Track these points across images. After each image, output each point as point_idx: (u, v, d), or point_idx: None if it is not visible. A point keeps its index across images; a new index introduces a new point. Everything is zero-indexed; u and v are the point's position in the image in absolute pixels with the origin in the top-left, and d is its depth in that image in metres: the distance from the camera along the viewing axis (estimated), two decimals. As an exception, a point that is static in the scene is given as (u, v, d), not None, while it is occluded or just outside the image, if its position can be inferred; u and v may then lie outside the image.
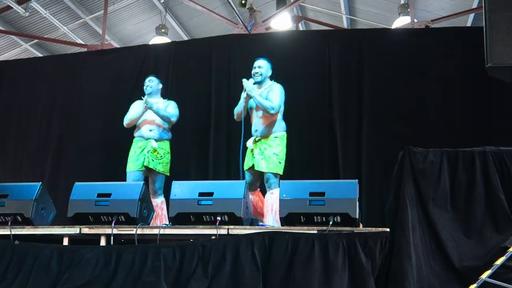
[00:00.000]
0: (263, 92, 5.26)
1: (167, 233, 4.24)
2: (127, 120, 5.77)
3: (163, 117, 5.67)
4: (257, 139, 5.20)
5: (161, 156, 5.61)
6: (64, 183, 6.64)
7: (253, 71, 5.37)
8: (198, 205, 4.31)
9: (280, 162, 5.17)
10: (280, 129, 5.25)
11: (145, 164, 5.53)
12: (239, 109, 5.36)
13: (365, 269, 3.67)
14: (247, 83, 5.19)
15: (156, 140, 5.60)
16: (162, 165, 5.61)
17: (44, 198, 4.73)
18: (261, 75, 5.30)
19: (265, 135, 5.20)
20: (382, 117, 6.31)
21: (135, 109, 5.79)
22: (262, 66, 5.34)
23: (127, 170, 5.63)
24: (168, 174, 5.68)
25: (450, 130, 6.06)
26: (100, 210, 4.44)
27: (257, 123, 5.24)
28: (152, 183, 5.61)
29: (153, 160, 5.55)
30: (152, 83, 5.86)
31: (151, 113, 5.66)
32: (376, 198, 6.08)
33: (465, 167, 3.99)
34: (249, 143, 5.20)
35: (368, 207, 6.00)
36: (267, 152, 5.13)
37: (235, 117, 5.48)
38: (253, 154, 5.18)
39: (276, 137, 5.21)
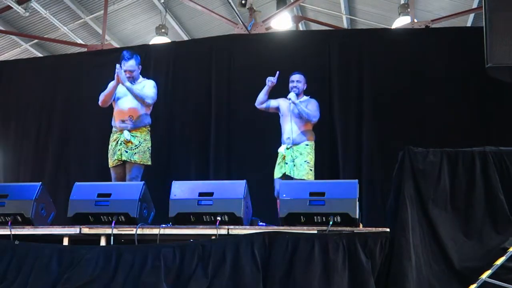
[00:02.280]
0: (302, 103, 5.50)
1: (167, 233, 4.23)
2: (100, 97, 5.38)
3: (136, 97, 5.28)
4: (288, 146, 5.38)
5: (136, 146, 5.28)
6: (64, 183, 6.65)
7: (291, 84, 5.58)
8: (198, 205, 4.31)
9: (311, 170, 5.36)
10: (310, 138, 5.50)
11: (117, 158, 5.28)
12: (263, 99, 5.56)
13: (365, 269, 3.67)
14: (291, 94, 5.47)
15: (131, 130, 5.28)
16: (139, 155, 5.29)
17: (44, 198, 4.73)
18: (298, 88, 5.56)
19: (297, 142, 5.40)
20: (382, 117, 6.31)
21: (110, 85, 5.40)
22: (300, 81, 5.59)
23: (109, 166, 5.42)
24: (149, 163, 5.39)
25: (450, 130, 6.06)
26: (100, 210, 4.43)
27: (289, 130, 5.40)
28: (127, 173, 5.32)
29: (126, 152, 5.25)
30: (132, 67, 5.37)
31: (124, 102, 5.32)
32: (376, 198, 6.08)
33: (465, 167, 3.99)
34: (282, 149, 5.41)
35: (368, 207, 6.00)
36: (298, 160, 5.32)
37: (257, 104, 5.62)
38: (285, 161, 5.35)
39: (307, 145, 5.43)
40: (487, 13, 4.23)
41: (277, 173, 5.43)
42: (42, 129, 7.29)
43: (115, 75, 5.27)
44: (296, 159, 5.33)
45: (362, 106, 6.40)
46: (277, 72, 5.51)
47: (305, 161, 5.34)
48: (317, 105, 5.58)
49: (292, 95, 5.46)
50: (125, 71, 5.34)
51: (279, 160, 5.47)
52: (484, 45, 4.21)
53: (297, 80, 5.59)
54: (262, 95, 5.56)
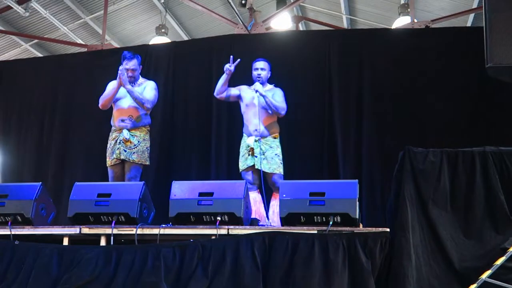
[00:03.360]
0: (268, 93, 5.30)
1: (167, 233, 4.23)
2: (101, 100, 5.36)
3: (136, 100, 5.25)
4: (256, 138, 5.24)
5: (135, 145, 5.27)
6: (64, 183, 6.65)
7: (255, 72, 5.39)
8: (198, 205, 4.31)
9: (281, 163, 5.28)
10: (277, 130, 5.35)
11: (116, 156, 5.26)
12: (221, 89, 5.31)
13: (365, 269, 3.67)
14: (257, 86, 5.25)
15: (130, 129, 5.28)
16: (137, 154, 5.28)
17: (44, 198, 4.72)
18: (261, 77, 5.34)
19: (265, 135, 5.27)
20: (382, 117, 6.31)
21: (109, 88, 5.40)
22: (264, 69, 5.38)
23: (107, 165, 5.40)
24: (147, 163, 5.39)
25: (450, 130, 6.06)
26: (100, 210, 4.42)
27: (256, 122, 5.24)
28: (126, 172, 5.31)
29: (125, 151, 5.24)
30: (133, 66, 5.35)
31: (124, 102, 5.32)
32: (376, 198, 6.08)
33: (465, 167, 3.99)
34: (250, 141, 5.22)
35: (368, 207, 6.00)
36: (269, 153, 5.21)
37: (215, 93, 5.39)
38: (253, 154, 5.20)
39: (275, 137, 5.30)
40: (487, 13, 4.22)
41: (243, 165, 5.27)
42: (42, 129, 7.29)
43: (118, 77, 5.24)
44: (266, 152, 5.18)
45: (362, 106, 6.40)
46: (231, 57, 5.28)
47: (275, 154, 5.22)
48: (283, 95, 5.35)
49: (258, 86, 5.21)
50: (127, 69, 5.32)
51: (243, 152, 5.29)
52: (484, 45, 4.21)
53: (261, 67, 5.35)
54: (220, 85, 5.28)
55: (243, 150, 5.34)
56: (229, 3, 8.21)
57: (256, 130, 5.25)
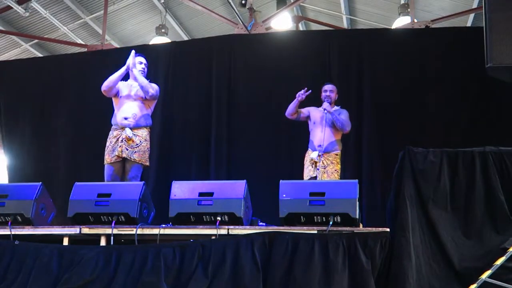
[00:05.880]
0: (335, 113, 5.61)
1: (167, 233, 4.23)
2: (105, 83, 5.34)
3: (141, 85, 5.29)
4: (320, 153, 5.47)
5: (137, 145, 5.26)
6: (65, 183, 6.64)
7: (324, 94, 5.70)
8: (198, 205, 4.31)
9: (340, 179, 5.48)
10: (339, 148, 5.60)
11: (117, 154, 5.23)
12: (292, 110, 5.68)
13: (365, 269, 3.67)
14: (325, 104, 5.62)
15: (132, 128, 5.27)
16: (139, 154, 5.26)
17: (44, 198, 4.72)
18: (330, 97, 5.70)
19: (328, 151, 5.49)
20: (382, 117, 6.32)
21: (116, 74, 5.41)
22: (332, 91, 5.74)
23: (105, 163, 5.35)
24: (147, 164, 5.37)
25: (450, 130, 6.07)
26: (100, 210, 4.42)
27: (321, 138, 5.51)
28: (127, 172, 5.28)
29: (127, 149, 5.21)
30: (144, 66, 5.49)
31: (127, 100, 5.32)
32: (376, 198, 6.08)
33: (465, 167, 3.99)
34: (314, 155, 5.49)
35: (368, 207, 6.00)
36: (330, 168, 5.44)
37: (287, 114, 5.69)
38: (316, 167, 5.45)
39: (337, 154, 5.54)
40: (487, 13, 4.23)
41: (307, 176, 5.55)
42: (42, 129, 7.30)
43: (126, 64, 5.32)
44: (328, 167, 5.47)
45: (362, 106, 6.40)
46: (305, 89, 5.56)
47: (335, 170, 5.49)
48: (348, 115, 5.69)
49: (326, 105, 5.61)
50: (139, 62, 5.45)
51: (307, 164, 5.56)
52: (484, 45, 4.21)
53: (330, 90, 5.74)
54: (291, 108, 5.65)
55: (307, 162, 5.58)
56: (229, 3, 8.21)
57: (320, 145, 5.54)
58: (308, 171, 5.53)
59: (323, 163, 5.48)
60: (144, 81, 5.36)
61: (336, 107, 5.74)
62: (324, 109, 5.59)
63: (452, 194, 3.95)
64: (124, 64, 5.37)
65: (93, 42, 9.19)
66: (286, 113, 5.72)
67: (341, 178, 6.02)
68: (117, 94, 5.41)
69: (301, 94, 5.61)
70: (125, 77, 5.45)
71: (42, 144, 7.26)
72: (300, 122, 5.78)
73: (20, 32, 9.29)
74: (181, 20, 10.22)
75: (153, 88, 5.39)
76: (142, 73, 5.45)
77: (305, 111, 5.74)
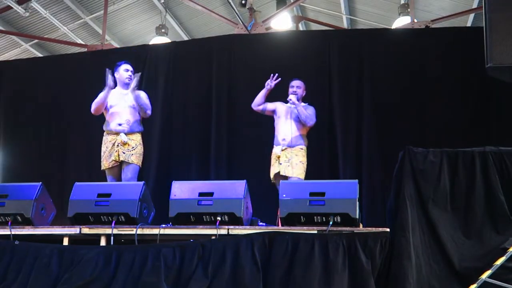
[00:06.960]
0: (299, 105, 5.54)
1: (167, 233, 4.24)
2: (93, 105, 5.44)
3: (141, 106, 5.38)
4: (283, 148, 5.39)
5: (133, 148, 5.32)
6: (65, 183, 6.64)
7: (291, 90, 5.60)
8: (198, 205, 4.31)
9: (304, 171, 5.37)
10: (304, 142, 5.49)
11: (114, 158, 5.27)
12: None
13: (365, 269, 3.67)
14: (291, 96, 5.51)
15: (127, 134, 5.32)
16: (135, 156, 5.32)
17: (44, 198, 4.73)
18: (297, 94, 5.58)
19: (292, 145, 5.41)
20: (382, 117, 6.31)
21: (101, 94, 5.46)
22: (300, 87, 5.63)
23: (102, 168, 5.38)
24: (140, 166, 5.41)
25: (450, 130, 6.07)
26: (100, 210, 4.42)
27: (287, 133, 5.42)
28: (124, 174, 5.31)
29: (124, 153, 5.27)
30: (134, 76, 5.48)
31: (119, 108, 5.38)
32: (376, 198, 6.08)
33: (465, 167, 3.99)
34: (277, 150, 5.42)
35: (368, 207, 6.00)
36: (294, 160, 5.35)
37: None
38: (279, 162, 5.36)
39: (302, 149, 5.45)
40: (487, 13, 4.23)
41: (271, 174, 5.47)
42: (42, 129, 7.30)
43: (107, 80, 5.35)
44: (291, 159, 5.36)
45: (362, 106, 6.40)
46: (276, 74, 5.50)
47: (300, 161, 5.37)
48: (314, 111, 5.60)
49: (292, 97, 5.50)
50: (132, 72, 5.49)
51: (273, 161, 5.49)
52: (484, 45, 4.21)
53: (297, 85, 5.64)
54: (259, 98, 5.59)
55: (272, 160, 5.50)
56: (229, 3, 8.21)
57: (284, 139, 5.44)
58: (273, 168, 5.45)
59: (286, 156, 5.36)
60: (145, 102, 5.44)
61: (303, 104, 5.63)
62: (289, 100, 5.47)
63: (452, 194, 3.95)
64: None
65: (93, 42, 9.19)
66: (253, 104, 5.64)
67: (340, 178, 6.06)
68: (105, 108, 5.47)
69: (269, 83, 5.52)
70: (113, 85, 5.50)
71: (42, 144, 7.25)
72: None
73: (20, 32, 9.29)
74: (181, 20, 10.22)
75: (150, 107, 5.48)
76: (129, 80, 5.47)
77: (271, 105, 5.64)
